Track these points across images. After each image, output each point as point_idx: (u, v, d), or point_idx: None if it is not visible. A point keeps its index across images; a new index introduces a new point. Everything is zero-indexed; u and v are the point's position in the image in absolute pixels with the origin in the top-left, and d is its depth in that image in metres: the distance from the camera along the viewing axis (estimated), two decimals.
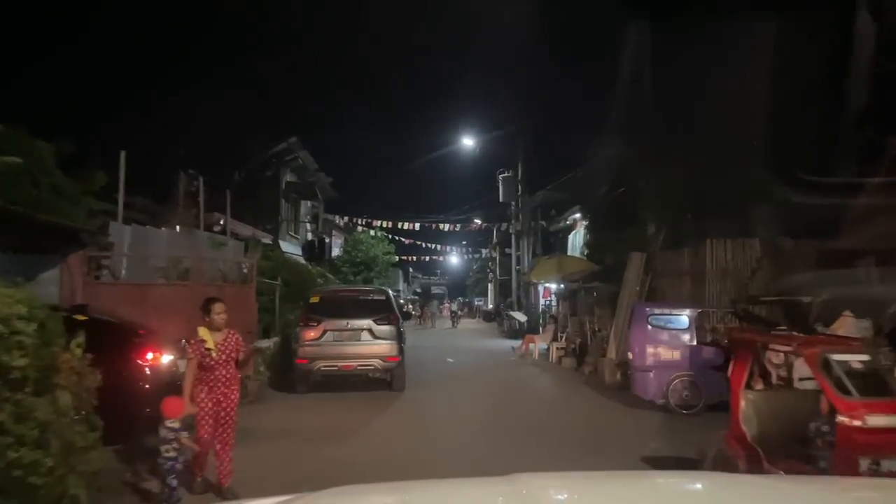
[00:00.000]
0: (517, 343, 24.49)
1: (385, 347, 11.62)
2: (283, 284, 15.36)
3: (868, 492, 2.14)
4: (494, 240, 45.46)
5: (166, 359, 8.50)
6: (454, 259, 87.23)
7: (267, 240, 18.60)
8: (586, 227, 23.87)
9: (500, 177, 30.20)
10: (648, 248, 14.76)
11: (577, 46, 30.04)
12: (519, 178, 29.58)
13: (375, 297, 12.20)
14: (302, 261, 24.55)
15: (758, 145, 14.63)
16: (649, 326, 10.74)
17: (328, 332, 11.57)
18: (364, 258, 32.03)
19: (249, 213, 22.97)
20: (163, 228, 12.87)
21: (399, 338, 11.82)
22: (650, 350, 10.66)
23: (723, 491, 2.09)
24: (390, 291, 13.18)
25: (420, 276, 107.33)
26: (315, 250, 27.82)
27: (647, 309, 10.91)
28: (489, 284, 58.93)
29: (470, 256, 45.70)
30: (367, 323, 11.64)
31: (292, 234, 26.45)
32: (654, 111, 14.81)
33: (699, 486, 2.22)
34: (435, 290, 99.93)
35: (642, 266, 14.44)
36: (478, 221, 45.68)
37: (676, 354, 10.57)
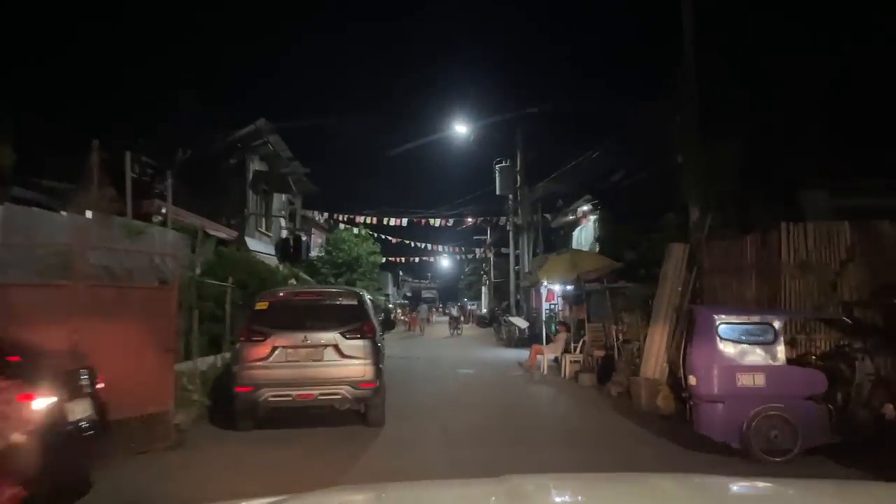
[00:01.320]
0: (520, 353, 21.55)
1: (356, 369, 8.61)
2: (236, 287, 12.34)
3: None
4: (489, 239, 42.52)
5: (42, 403, 5.34)
6: (445, 262, 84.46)
7: (221, 234, 15.53)
8: (598, 220, 20.98)
9: (497, 167, 27.25)
10: (691, 238, 11.82)
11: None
12: (518, 168, 26.65)
13: (344, 302, 9.13)
14: (270, 260, 21.52)
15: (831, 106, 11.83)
16: (719, 340, 7.76)
17: (279, 350, 8.53)
18: (346, 258, 29.00)
19: (210, 205, 19.92)
20: (63, 213, 9.80)
21: (376, 356, 8.79)
22: (721, 373, 7.68)
23: (719, 493, 2.15)
24: (365, 294, 10.14)
25: (410, 279, 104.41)
26: (290, 249, 24.77)
27: (716, 316, 7.92)
28: (483, 287, 56.04)
29: (462, 257, 42.67)
30: (331, 336, 8.62)
31: (262, 230, 23.39)
32: (700, 70, 11.90)
33: (695, 488, 2.22)
34: (426, 293, 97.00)
35: (685, 260, 11.50)
36: (470, 220, 42.77)
37: (759, 379, 7.60)
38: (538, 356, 16.53)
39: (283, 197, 26.60)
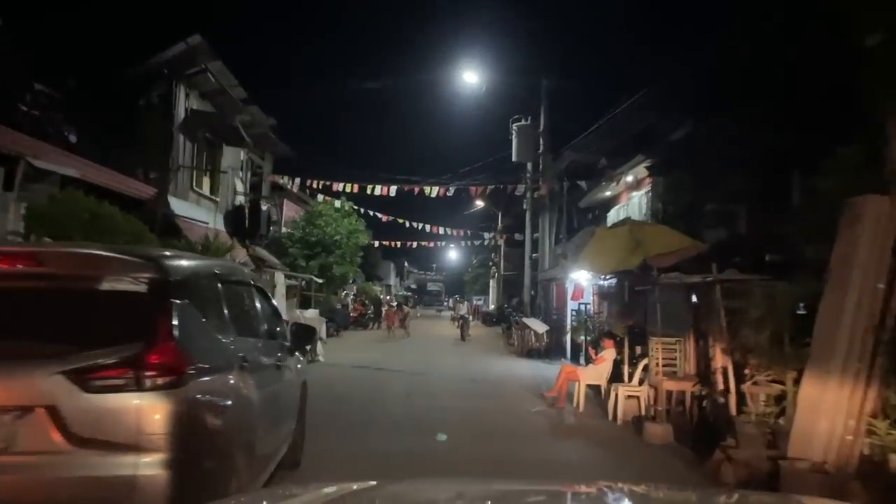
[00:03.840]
0: (536, 367, 15.92)
1: (113, 482, 2.96)
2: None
3: None
4: (499, 224, 36.79)
5: None
6: (452, 253, 78.73)
7: (69, 172, 9.85)
8: (652, 190, 15.26)
9: (515, 126, 21.51)
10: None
11: None
12: (541, 128, 20.93)
13: (107, 286, 3.35)
14: (220, 234, 15.97)
15: None
16: None
17: None
18: (322, 237, 23.37)
19: (116, 149, 14.44)
20: None
21: (183, 440, 3.11)
22: None
23: None
24: (195, 263, 4.13)
25: (415, 270, 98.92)
26: (244, 221, 19.24)
27: None
28: (491, 281, 50.25)
29: (469, 243, 36.80)
30: (45, 381, 2.96)
31: (203, 191, 17.78)
32: None
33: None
34: (431, 286, 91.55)
35: (892, 232, 5.82)
36: (480, 203, 37.04)
37: None
38: (569, 383, 10.89)
39: (243, 155, 21.00)
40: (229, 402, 3.73)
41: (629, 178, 17.71)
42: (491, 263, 47.65)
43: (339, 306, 29.15)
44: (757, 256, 9.47)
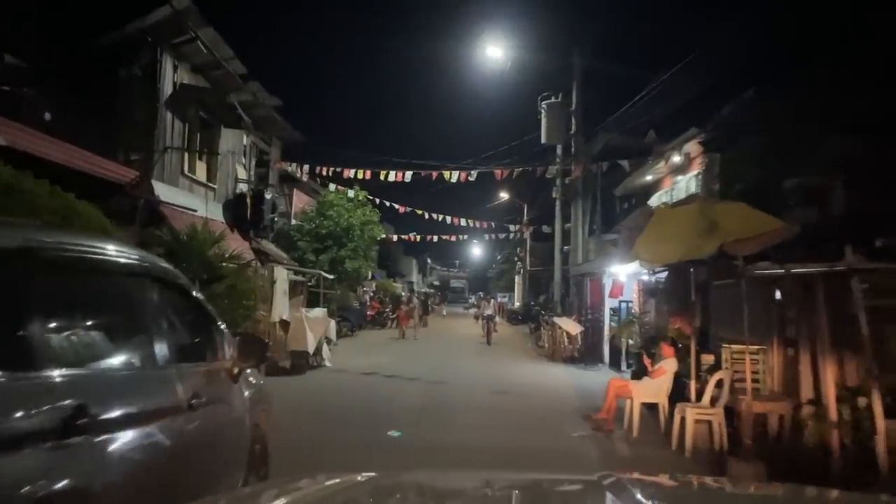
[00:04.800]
0: (571, 374, 13.88)
1: None
2: None
3: None
4: (525, 217, 34.65)
5: None
6: (476, 249, 76.65)
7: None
8: (710, 166, 13.10)
9: (544, 104, 19.39)
10: None
11: None
12: (573, 107, 18.80)
13: None
14: (213, 225, 14.16)
15: None
16: None
17: None
18: (333, 228, 21.47)
19: (91, 126, 12.69)
20: None
21: None
22: None
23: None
24: None
25: (438, 266, 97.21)
26: (245, 211, 17.39)
27: None
28: (516, 277, 48.16)
29: (493, 236, 34.59)
30: None
31: (194, 176, 15.96)
32: None
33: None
34: (455, 283, 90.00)
35: None
36: (504, 195, 35.09)
37: None
38: (618, 399, 8.85)
39: (246, 139, 19.20)
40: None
41: (675, 159, 15.58)
42: (516, 258, 45.60)
43: (356, 304, 27.38)
44: (862, 241, 7.40)
